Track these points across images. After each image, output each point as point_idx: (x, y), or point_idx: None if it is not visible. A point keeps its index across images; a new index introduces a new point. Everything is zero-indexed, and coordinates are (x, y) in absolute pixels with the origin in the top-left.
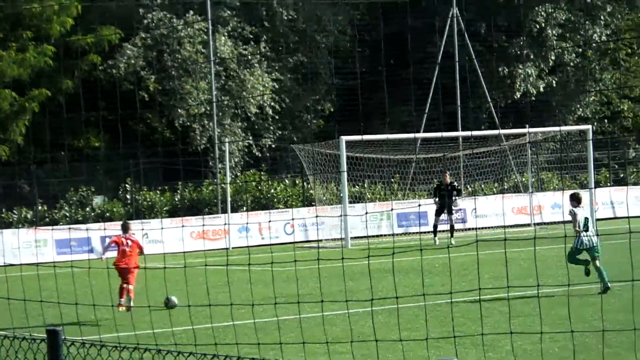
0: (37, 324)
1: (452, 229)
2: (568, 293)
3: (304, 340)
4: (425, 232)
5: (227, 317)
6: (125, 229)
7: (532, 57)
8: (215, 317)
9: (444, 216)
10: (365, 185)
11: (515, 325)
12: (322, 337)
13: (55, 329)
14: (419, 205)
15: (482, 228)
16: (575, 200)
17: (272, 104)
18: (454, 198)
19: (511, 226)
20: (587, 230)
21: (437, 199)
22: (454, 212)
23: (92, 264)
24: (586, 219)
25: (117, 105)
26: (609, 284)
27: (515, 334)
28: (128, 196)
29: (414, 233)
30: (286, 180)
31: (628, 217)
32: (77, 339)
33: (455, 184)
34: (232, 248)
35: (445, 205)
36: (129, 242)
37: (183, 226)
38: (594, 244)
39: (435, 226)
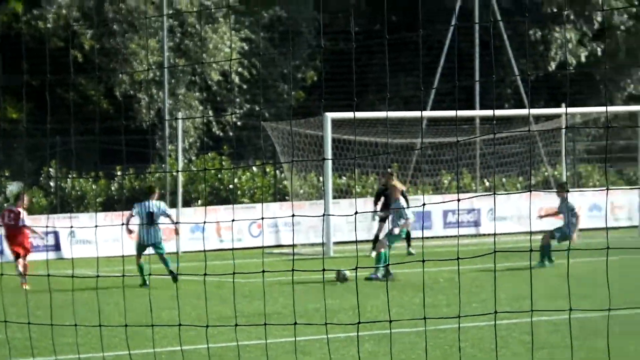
0: None
1: (408, 237)
2: (608, 319)
3: None
4: (430, 237)
5: (172, 340)
6: (16, 199)
7: (572, 17)
8: (158, 341)
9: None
10: (355, 177)
11: (540, 359)
12: None
13: None
14: (423, 205)
15: (502, 234)
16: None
17: (240, 69)
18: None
19: (538, 232)
20: None
21: (379, 207)
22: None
23: (5, 269)
24: None
25: (44, 68)
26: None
27: None
28: (52, 183)
29: (414, 239)
30: (254, 168)
31: None
32: None
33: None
34: (183, 252)
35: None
36: (12, 215)
37: (123, 224)
38: None
39: (377, 236)
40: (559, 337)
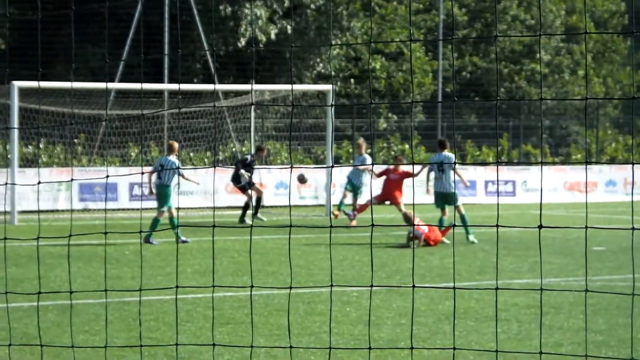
0: None
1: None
2: (289, 297)
3: None
4: (113, 210)
5: None
6: None
7: None
8: None
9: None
10: (41, 146)
11: (223, 334)
12: None
13: None
14: (107, 176)
15: (188, 208)
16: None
17: None
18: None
19: (224, 208)
20: None
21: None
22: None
23: None
24: None
25: None
26: None
27: (219, 346)
28: None
29: (98, 210)
30: None
31: (371, 204)
32: None
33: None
34: None
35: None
36: None
37: None
38: None
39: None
40: (243, 313)
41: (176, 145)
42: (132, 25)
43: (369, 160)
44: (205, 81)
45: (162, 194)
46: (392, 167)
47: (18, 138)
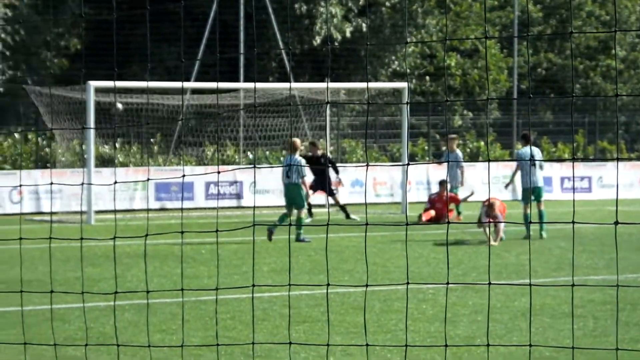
0: None
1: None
2: (365, 294)
3: (25, 340)
4: (190, 209)
5: None
6: None
7: None
8: None
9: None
10: (117, 145)
11: (299, 332)
12: (50, 337)
13: None
14: (183, 176)
15: (263, 207)
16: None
17: (3, 36)
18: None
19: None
20: None
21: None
22: (335, 192)
23: None
24: None
25: None
26: None
27: (296, 344)
28: None
29: (174, 209)
30: (16, 135)
31: (448, 202)
32: None
33: (330, 156)
34: None
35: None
36: None
37: None
38: None
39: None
40: (319, 312)
41: (298, 142)
42: (208, 24)
43: (461, 156)
44: (280, 79)
45: (294, 193)
46: (434, 197)
47: (94, 138)
